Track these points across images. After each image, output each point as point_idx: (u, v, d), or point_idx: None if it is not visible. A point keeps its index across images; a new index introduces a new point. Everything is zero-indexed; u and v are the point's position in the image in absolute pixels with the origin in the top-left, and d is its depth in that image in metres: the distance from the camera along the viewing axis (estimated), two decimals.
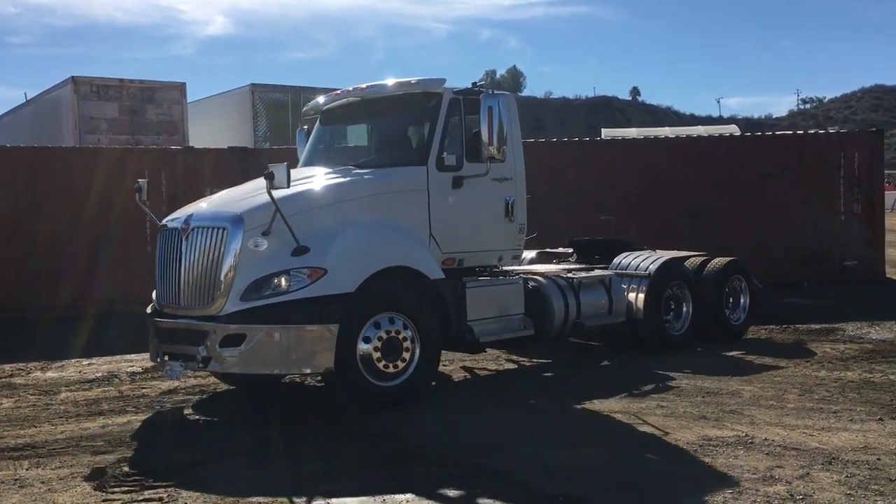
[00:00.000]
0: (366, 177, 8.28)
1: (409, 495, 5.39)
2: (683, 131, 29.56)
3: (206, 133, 20.77)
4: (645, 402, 7.75)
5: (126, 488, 5.70)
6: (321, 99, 9.75)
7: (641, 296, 10.20)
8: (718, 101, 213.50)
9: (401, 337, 7.54)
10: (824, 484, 5.40)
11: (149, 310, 8.10)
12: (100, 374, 9.80)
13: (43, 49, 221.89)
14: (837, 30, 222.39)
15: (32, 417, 7.85)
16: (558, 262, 11.21)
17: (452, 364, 9.87)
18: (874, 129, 18.08)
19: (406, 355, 7.57)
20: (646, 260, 10.57)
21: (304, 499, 5.40)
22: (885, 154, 18.01)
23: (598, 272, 10.40)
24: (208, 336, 7.17)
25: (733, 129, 31.45)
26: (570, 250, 11.61)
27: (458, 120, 8.58)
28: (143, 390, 8.90)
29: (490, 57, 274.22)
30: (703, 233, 14.80)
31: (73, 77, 19.15)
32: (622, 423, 7.10)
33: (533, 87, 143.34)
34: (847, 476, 5.53)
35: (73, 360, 10.66)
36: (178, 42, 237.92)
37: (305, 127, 10.34)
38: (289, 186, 7.12)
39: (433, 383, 8.26)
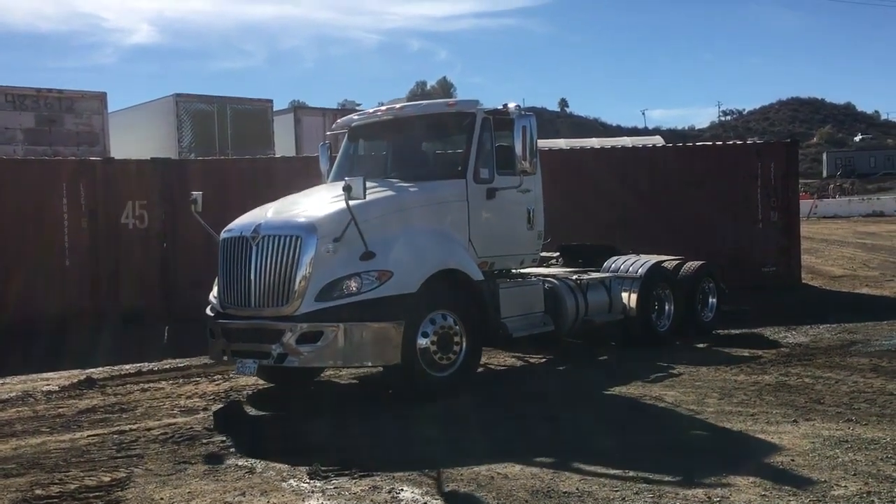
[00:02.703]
0: (413, 189, 9.10)
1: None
2: (609, 142, 30.15)
3: (129, 143, 20.31)
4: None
5: None
6: (354, 116, 10.64)
7: (634, 296, 11.15)
8: (643, 113, 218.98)
9: (452, 332, 8.37)
10: (741, 486, 5.54)
11: (209, 312, 8.78)
12: (14, 394, 9.44)
13: None
14: (756, 43, 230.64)
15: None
16: (546, 266, 11.73)
17: None
18: (789, 139, 18.73)
19: (457, 348, 8.41)
20: (635, 263, 11.47)
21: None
22: (799, 164, 18.65)
23: (599, 274, 11.30)
24: (284, 334, 7.90)
25: (657, 140, 32.23)
26: (557, 254, 12.33)
27: (488, 136, 9.47)
28: (60, 410, 8.60)
29: (420, 68, 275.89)
30: (631, 240, 15.11)
31: None
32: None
33: (464, 98, 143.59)
34: (762, 477, 5.68)
35: None
36: (101, 51, 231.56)
37: (328, 143, 11.15)
38: (365, 198, 7.98)
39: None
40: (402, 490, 5.68)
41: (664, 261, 12.07)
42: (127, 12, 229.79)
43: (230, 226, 8.73)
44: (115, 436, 7.42)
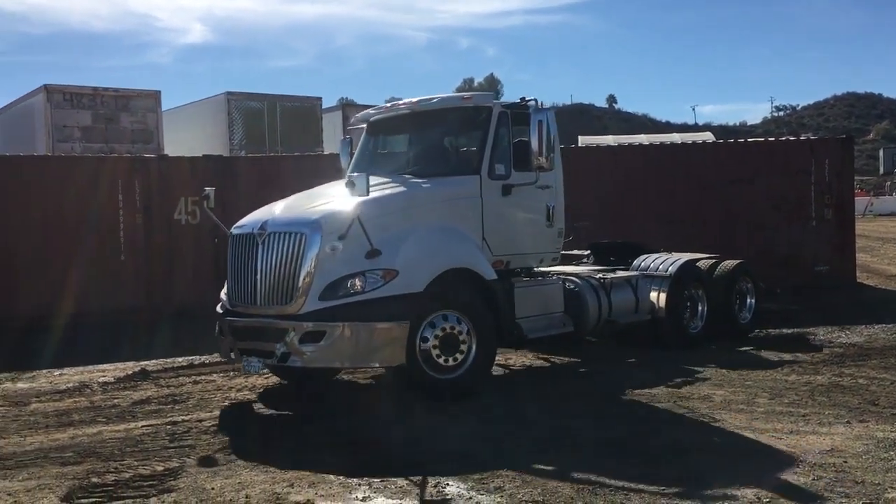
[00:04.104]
0: (425, 185, 8.87)
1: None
2: (658, 138, 29.82)
3: (181, 141, 20.69)
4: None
5: (94, 500, 5.66)
6: (371, 111, 10.31)
7: (664, 295, 10.80)
8: (694, 109, 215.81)
9: (457, 333, 8.11)
10: (791, 486, 5.46)
11: (219, 309, 8.65)
12: (71, 385, 9.71)
13: (16, 57, 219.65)
14: (810, 38, 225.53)
15: (1, 429, 7.77)
16: (576, 265, 11.55)
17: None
18: (844, 135, 18.29)
19: (463, 349, 8.15)
20: (665, 261, 11.15)
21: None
22: (855, 161, 18.21)
23: (625, 273, 10.96)
24: (287, 333, 7.74)
25: (708, 136, 31.76)
26: (587, 252, 12.11)
27: (505, 132, 9.15)
28: (115, 400, 8.83)
29: (468, 65, 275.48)
30: (679, 238, 14.96)
31: (45, 85, 19.04)
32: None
33: (510, 95, 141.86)
34: (814, 479, 5.60)
35: (44, 371, 10.55)
36: (155, 50, 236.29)
37: (349, 137, 10.96)
38: (368, 195, 7.80)
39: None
40: (447, 485, 5.71)
41: (697, 259, 11.73)
42: (179, 11, 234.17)
43: (240, 222, 8.62)
44: (168, 426, 7.60)
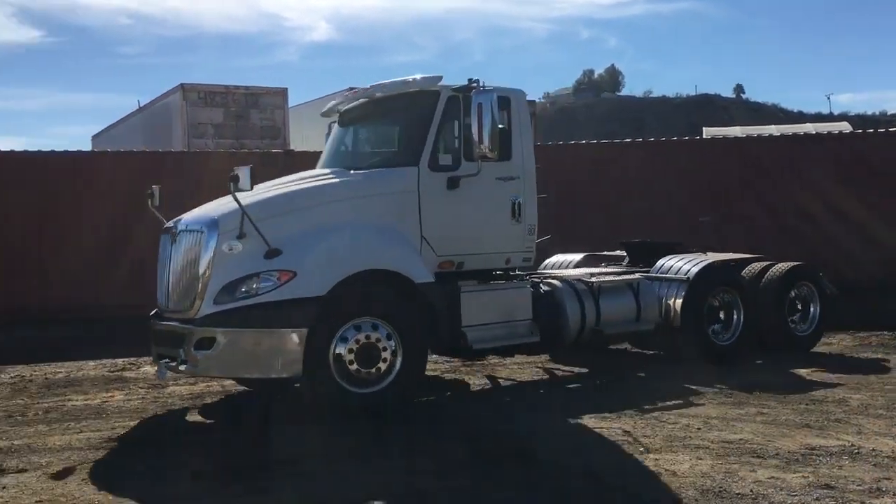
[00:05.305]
0: (349, 179, 8.19)
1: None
2: (790, 129, 28.45)
3: (308, 137, 21.28)
4: (744, 409, 7.53)
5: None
6: (334, 101, 9.70)
7: (679, 302, 9.63)
8: (829, 98, 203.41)
9: (377, 341, 7.35)
10: None
11: (153, 312, 8.11)
12: None
13: (154, 58, 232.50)
14: None
15: (141, 409, 8.23)
16: (606, 266, 10.86)
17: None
18: None
19: (384, 361, 7.38)
20: (688, 263, 9.93)
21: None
22: None
23: (625, 276, 9.94)
24: (186, 339, 7.23)
25: (844, 126, 30.01)
26: (623, 253, 11.23)
27: (455, 118, 8.29)
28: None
29: (589, 56, 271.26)
30: (816, 234, 14.32)
31: (182, 84, 19.97)
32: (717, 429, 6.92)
33: (632, 86, 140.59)
34: None
35: None
36: (282, 49, 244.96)
37: (330, 128, 10.24)
38: (251, 189, 7.12)
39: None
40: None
41: (738, 260, 10.55)
42: (307, 11, 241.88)
43: (172, 220, 8.12)
44: None
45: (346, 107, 9.39)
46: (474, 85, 8.20)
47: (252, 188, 7.14)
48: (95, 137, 27.61)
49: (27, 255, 13.96)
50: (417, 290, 7.67)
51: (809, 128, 28.31)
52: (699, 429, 6.92)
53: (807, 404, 7.71)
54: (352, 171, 8.39)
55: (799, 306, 10.66)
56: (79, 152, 15.82)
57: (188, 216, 7.92)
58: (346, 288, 7.27)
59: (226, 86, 20.48)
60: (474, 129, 7.88)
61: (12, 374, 10.43)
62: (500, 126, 8.11)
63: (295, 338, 7.07)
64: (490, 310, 8.29)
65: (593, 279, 9.49)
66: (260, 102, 20.35)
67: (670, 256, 10.24)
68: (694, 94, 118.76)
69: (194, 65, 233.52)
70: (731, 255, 10.82)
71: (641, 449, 6.34)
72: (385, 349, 7.40)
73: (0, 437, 7.14)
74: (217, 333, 7.07)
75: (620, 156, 16.17)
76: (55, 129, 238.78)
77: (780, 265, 10.64)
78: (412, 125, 8.50)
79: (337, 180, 8.18)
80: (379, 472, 5.91)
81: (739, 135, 24.14)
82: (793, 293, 10.58)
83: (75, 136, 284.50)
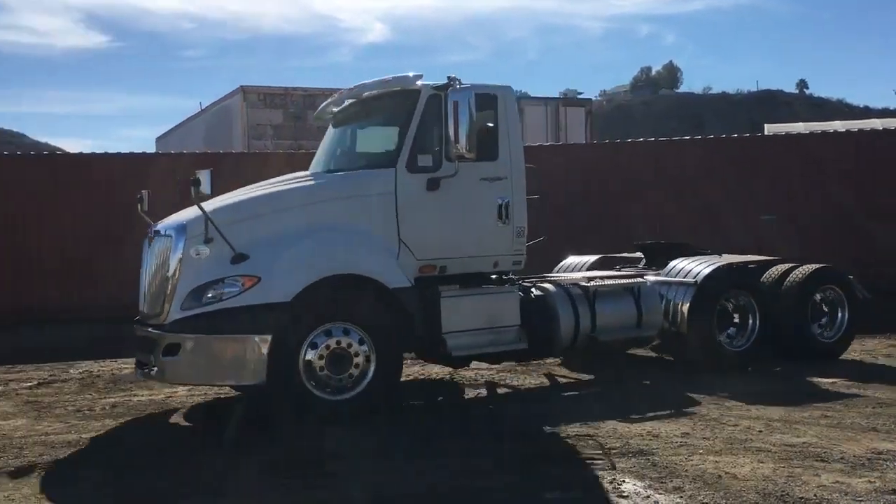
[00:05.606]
0: (322, 182, 8.06)
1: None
2: (856, 125, 27.61)
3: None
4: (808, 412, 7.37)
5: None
6: (325, 103, 9.58)
7: (687, 306, 9.21)
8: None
9: (348, 347, 7.25)
10: None
11: (136, 318, 8.00)
12: None
13: (215, 61, 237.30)
14: None
15: (200, 404, 8.40)
16: (621, 268, 10.55)
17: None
18: None
19: (356, 367, 7.27)
20: (698, 265, 9.53)
21: None
22: None
23: (625, 279, 9.54)
24: (156, 345, 7.20)
25: None
26: (640, 255, 10.85)
27: (436, 118, 7.96)
28: None
29: (646, 53, 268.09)
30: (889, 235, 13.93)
31: (242, 87, 20.35)
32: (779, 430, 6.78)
33: (691, 83, 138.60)
34: None
35: None
36: (336, 50, 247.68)
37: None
38: (211, 192, 7.11)
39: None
40: (624, 481, 5.59)
41: (756, 263, 10.10)
42: (361, 12, 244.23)
43: (155, 224, 8.00)
44: None
45: (335, 108, 9.28)
46: (451, 81, 7.97)
47: (211, 192, 7.19)
48: (159, 139, 28.31)
49: (94, 256, 14.36)
50: (392, 295, 7.52)
51: (876, 123, 27.47)
52: (760, 431, 6.80)
53: (874, 407, 7.52)
54: (327, 174, 8.37)
55: (826, 311, 10.13)
56: (140, 154, 16.32)
57: (165, 221, 7.88)
58: (314, 293, 7.13)
59: (284, 87, 20.80)
60: (450, 129, 7.67)
61: (80, 370, 10.77)
62: (489, 124, 7.95)
63: (259, 344, 6.95)
64: (472, 315, 7.99)
65: (590, 283, 9.15)
66: (317, 103, 20.21)
67: (682, 258, 9.85)
68: (755, 90, 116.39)
69: (252, 67, 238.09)
70: (750, 258, 10.41)
71: (701, 451, 6.25)
72: (357, 354, 7.28)
73: (70, 430, 7.38)
74: (181, 339, 7.03)
75: (679, 152, 15.98)
76: (122, 131, 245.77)
77: (803, 267, 10.05)
78: (393, 126, 8.36)
79: (310, 183, 8.07)
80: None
81: (803, 131, 23.53)
82: (818, 297, 10.05)
83: (141, 139, 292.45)
